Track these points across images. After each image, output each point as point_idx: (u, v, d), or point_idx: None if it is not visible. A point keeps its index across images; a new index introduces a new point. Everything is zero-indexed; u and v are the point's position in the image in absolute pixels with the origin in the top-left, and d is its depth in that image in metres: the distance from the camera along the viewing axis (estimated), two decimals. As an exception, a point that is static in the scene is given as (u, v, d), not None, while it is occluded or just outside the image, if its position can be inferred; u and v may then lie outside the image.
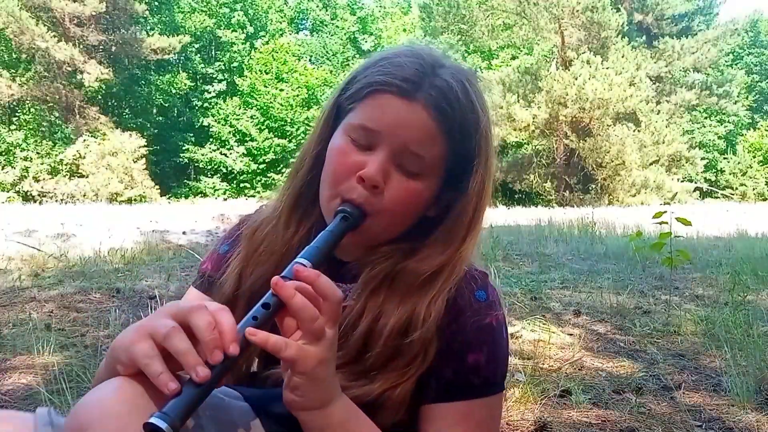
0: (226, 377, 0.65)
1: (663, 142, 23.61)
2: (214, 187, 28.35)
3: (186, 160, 28.76)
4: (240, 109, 29.21)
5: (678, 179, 25.01)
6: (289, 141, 28.44)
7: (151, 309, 3.41)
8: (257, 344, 0.65)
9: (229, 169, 28.68)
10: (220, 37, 31.15)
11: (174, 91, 28.53)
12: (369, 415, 0.78)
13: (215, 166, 28.82)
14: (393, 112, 0.80)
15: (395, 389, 0.79)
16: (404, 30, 35.62)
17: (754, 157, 30.51)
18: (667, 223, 3.53)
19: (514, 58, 29.65)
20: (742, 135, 32.56)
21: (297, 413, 0.72)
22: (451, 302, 0.81)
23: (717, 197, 27.49)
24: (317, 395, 0.71)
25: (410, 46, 0.88)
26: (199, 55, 31.07)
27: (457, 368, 0.80)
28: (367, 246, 0.86)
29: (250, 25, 32.66)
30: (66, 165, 22.51)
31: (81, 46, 24.10)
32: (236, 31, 31.56)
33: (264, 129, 28.74)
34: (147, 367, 0.61)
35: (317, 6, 36.87)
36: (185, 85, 28.70)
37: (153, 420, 0.57)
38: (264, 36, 32.60)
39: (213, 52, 31.69)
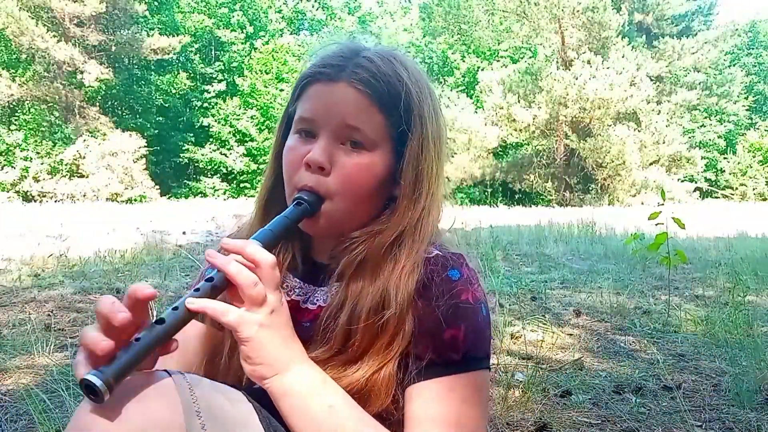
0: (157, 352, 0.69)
1: (663, 142, 23.62)
2: (214, 187, 28.36)
3: (186, 160, 28.77)
4: (240, 109, 29.21)
5: (678, 179, 25.03)
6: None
7: (151, 309, 3.40)
8: (198, 311, 0.69)
9: (229, 169, 28.69)
10: (220, 38, 31.16)
11: (174, 91, 28.52)
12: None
13: (215, 167, 28.83)
14: (323, 97, 0.84)
15: (380, 371, 0.80)
16: (404, 30, 35.64)
17: (754, 157, 30.52)
18: (663, 223, 3.52)
19: (514, 58, 29.64)
20: (743, 135, 32.56)
21: (259, 383, 0.75)
22: (424, 282, 0.82)
23: (717, 197, 27.50)
24: (268, 361, 0.73)
25: (339, 39, 0.92)
26: (198, 55, 31.08)
27: (435, 346, 0.80)
28: (338, 235, 0.87)
29: (250, 26, 32.67)
30: (66, 165, 22.50)
31: (81, 46, 24.09)
32: (236, 31, 31.57)
33: (264, 129, 28.75)
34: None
35: (313, 7, 36.88)
36: (185, 85, 28.70)
37: (88, 376, 0.62)
38: (264, 36, 32.59)
39: (213, 53, 31.70)
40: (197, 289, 0.71)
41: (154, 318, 0.69)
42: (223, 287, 0.72)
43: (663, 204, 3.69)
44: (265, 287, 0.72)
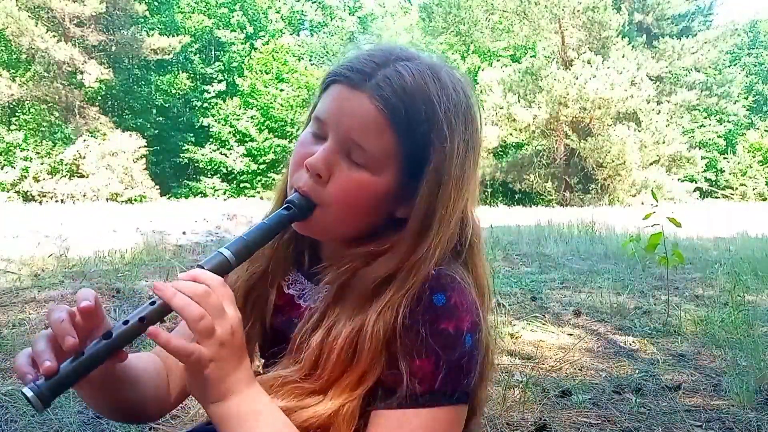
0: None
1: (663, 142, 23.61)
2: (214, 187, 28.34)
3: (186, 160, 28.75)
4: (240, 109, 29.21)
5: (678, 179, 25.03)
6: (290, 141, 28.41)
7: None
8: (149, 334, 0.69)
9: (229, 169, 28.68)
10: (220, 38, 31.16)
11: (174, 91, 28.52)
12: None
13: (215, 167, 28.81)
14: (339, 102, 0.79)
15: (344, 407, 0.77)
16: (405, 30, 35.64)
17: (754, 157, 30.51)
18: (658, 224, 3.52)
19: (514, 58, 29.63)
20: (742, 135, 32.55)
21: (201, 405, 0.74)
22: (407, 305, 0.76)
23: (717, 197, 27.49)
24: (210, 390, 0.71)
25: (383, 42, 0.87)
26: (198, 55, 31.07)
27: (401, 373, 0.75)
28: (333, 238, 0.86)
29: (250, 26, 32.67)
30: (66, 165, 22.48)
31: (81, 47, 24.08)
32: (235, 32, 31.57)
33: (264, 129, 28.74)
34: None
35: (312, 8, 36.87)
36: (185, 85, 28.70)
37: (25, 390, 0.66)
38: (264, 36, 32.59)
39: (213, 53, 31.70)
40: (142, 318, 0.70)
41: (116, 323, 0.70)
42: (164, 313, 0.71)
43: (657, 205, 3.68)
44: (213, 318, 0.69)
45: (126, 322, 0.69)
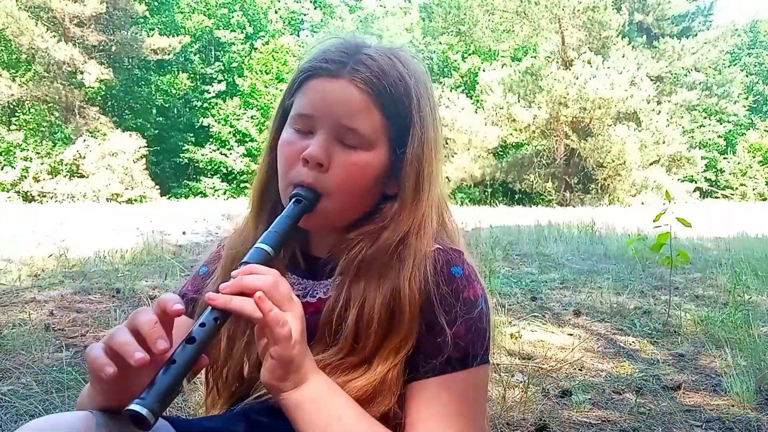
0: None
1: (663, 142, 23.60)
2: (214, 187, 28.34)
3: (186, 160, 28.75)
4: (240, 109, 29.21)
5: (678, 179, 25.02)
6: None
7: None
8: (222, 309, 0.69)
9: (229, 169, 28.68)
10: (219, 38, 31.16)
11: (174, 91, 28.52)
12: (364, 405, 0.79)
13: (215, 167, 28.82)
14: (322, 93, 0.84)
15: (390, 372, 0.81)
16: (406, 30, 35.62)
17: (754, 157, 30.51)
18: (667, 224, 3.52)
19: (514, 58, 29.63)
20: (742, 135, 32.55)
21: (275, 395, 0.76)
22: (427, 279, 0.82)
23: (717, 197, 27.49)
24: (292, 377, 0.74)
25: (340, 34, 0.91)
26: (198, 55, 31.07)
27: (437, 343, 0.81)
28: (333, 231, 0.89)
29: (250, 26, 32.67)
30: (66, 165, 22.47)
31: (81, 47, 24.06)
32: (235, 32, 31.56)
33: (264, 129, 28.74)
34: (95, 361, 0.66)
35: (313, 8, 36.87)
36: (185, 85, 28.70)
37: (134, 407, 0.60)
38: (264, 37, 32.58)
39: (213, 53, 31.69)
40: (202, 324, 0.69)
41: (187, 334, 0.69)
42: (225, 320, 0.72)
43: (668, 203, 3.68)
44: (284, 305, 0.72)
45: (203, 325, 0.69)
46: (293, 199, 0.83)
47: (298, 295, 0.91)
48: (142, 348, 0.64)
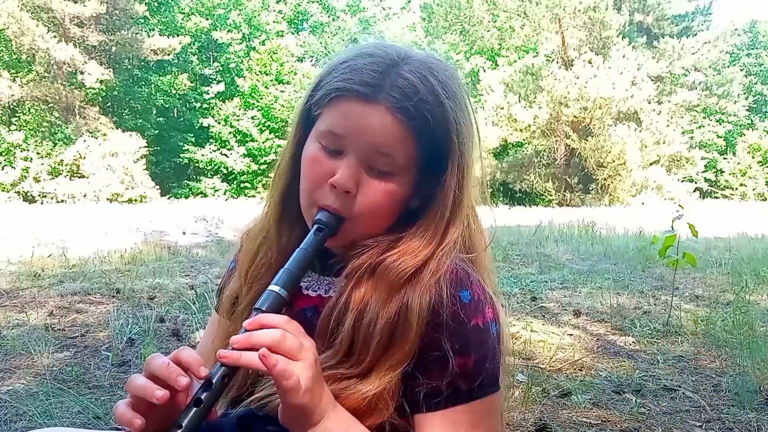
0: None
1: (663, 142, 23.61)
2: (215, 187, 28.33)
3: (186, 160, 28.75)
4: (240, 109, 29.20)
5: (678, 179, 25.02)
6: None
7: (151, 309, 3.41)
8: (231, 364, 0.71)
9: (230, 169, 28.68)
10: (218, 39, 31.14)
11: (174, 91, 28.52)
12: (360, 418, 0.79)
13: (215, 167, 28.81)
14: (356, 118, 0.81)
15: (387, 386, 0.79)
16: (409, 29, 35.59)
17: (754, 157, 30.50)
18: (677, 231, 3.51)
19: (515, 58, 29.62)
20: (742, 135, 32.54)
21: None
22: (434, 304, 0.79)
23: (717, 197, 27.49)
24: (307, 419, 0.74)
25: (369, 46, 0.88)
26: (198, 56, 31.06)
27: (444, 375, 0.79)
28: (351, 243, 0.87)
29: (248, 27, 32.65)
30: (66, 165, 22.47)
31: (81, 47, 24.06)
32: (233, 32, 31.54)
33: (265, 130, 28.73)
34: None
35: (316, 9, 36.86)
36: (185, 85, 28.69)
37: None
38: (263, 37, 32.56)
39: (212, 53, 31.68)
40: (225, 375, 0.73)
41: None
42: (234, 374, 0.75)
43: (682, 209, 3.67)
44: (296, 354, 0.71)
45: (210, 384, 0.72)
46: (315, 227, 0.82)
47: (301, 286, 0.91)
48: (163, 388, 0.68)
